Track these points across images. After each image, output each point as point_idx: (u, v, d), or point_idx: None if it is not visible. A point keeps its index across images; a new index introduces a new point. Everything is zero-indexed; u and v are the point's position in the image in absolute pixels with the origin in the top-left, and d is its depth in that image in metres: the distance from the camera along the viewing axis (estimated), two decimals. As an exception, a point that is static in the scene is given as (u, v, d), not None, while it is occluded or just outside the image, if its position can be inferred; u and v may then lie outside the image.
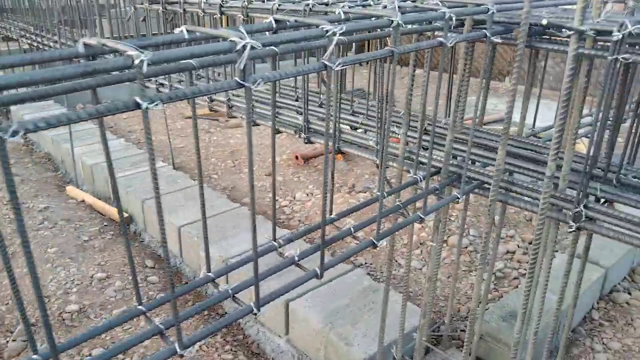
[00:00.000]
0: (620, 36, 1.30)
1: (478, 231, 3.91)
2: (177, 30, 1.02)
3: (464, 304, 3.20)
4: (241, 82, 0.93)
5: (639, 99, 1.62)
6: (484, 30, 1.47)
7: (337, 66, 1.07)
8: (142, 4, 3.31)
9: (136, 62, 0.79)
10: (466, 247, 3.73)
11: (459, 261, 2.52)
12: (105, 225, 4.13)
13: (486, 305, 3.14)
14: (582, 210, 1.49)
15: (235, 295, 1.32)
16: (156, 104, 0.83)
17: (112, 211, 4.31)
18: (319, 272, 1.25)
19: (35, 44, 5.45)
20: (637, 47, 1.46)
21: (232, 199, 4.54)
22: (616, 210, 1.46)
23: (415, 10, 1.44)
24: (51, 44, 5.08)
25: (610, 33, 1.34)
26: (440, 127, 2.17)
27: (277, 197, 4.59)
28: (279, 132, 2.51)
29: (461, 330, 2.94)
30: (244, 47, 0.90)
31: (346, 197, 4.49)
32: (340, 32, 1.04)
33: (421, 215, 1.53)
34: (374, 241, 1.38)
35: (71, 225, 4.05)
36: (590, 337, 2.93)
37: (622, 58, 1.31)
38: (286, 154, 5.51)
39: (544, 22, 1.28)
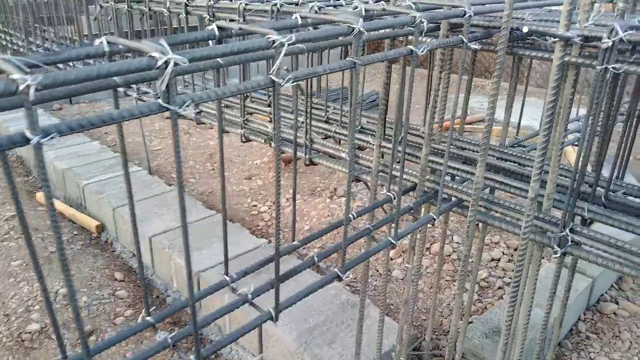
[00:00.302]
0: (611, 43, 1.16)
1: (462, 238, 3.79)
2: (97, 42, 0.87)
3: (446, 317, 3.07)
4: (164, 104, 0.77)
5: (629, 110, 1.49)
6: (461, 35, 1.33)
7: (286, 82, 0.92)
8: (107, 2, 3.13)
9: (21, 87, 0.64)
10: (449, 255, 3.60)
11: (440, 271, 2.38)
12: (74, 235, 3.95)
13: (470, 318, 3.02)
14: (567, 235, 1.36)
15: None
16: (51, 137, 0.68)
17: (84, 219, 4.13)
18: (273, 314, 1.11)
19: (3, 43, 5.24)
20: (626, 53, 1.33)
21: (209, 204, 4.37)
22: (605, 235, 1.33)
23: (384, 14, 1.30)
24: (20, 42, 4.87)
25: (599, 39, 1.20)
26: (419, 136, 2.03)
27: (255, 203, 4.44)
28: (249, 140, 2.36)
29: (443, 347, 2.81)
30: (166, 63, 0.75)
31: (327, 203, 4.35)
32: (289, 42, 0.89)
33: (392, 241, 1.39)
34: (339, 274, 1.24)
35: (38, 235, 3.86)
36: (577, 351, 2.81)
37: (613, 68, 1.18)
38: (267, 155, 5.35)
39: (525, 29, 1.14)
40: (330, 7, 1.89)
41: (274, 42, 0.89)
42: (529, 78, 2.55)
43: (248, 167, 5.08)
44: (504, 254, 3.68)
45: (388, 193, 1.60)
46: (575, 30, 1.25)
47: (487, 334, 2.58)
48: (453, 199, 1.67)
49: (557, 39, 1.19)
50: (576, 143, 2.32)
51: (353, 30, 1.02)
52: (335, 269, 1.24)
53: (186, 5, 2.44)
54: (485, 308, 3.16)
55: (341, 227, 1.55)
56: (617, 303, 3.19)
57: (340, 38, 1.10)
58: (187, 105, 0.80)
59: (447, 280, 3.39)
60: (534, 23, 1.32)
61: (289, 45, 0.90)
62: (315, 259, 1.29)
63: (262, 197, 4.52)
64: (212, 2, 2.29)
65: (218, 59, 0.92)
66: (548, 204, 1.45)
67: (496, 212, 1.57)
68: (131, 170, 4.61)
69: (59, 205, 4.37)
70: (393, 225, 1.43)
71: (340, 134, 2.18)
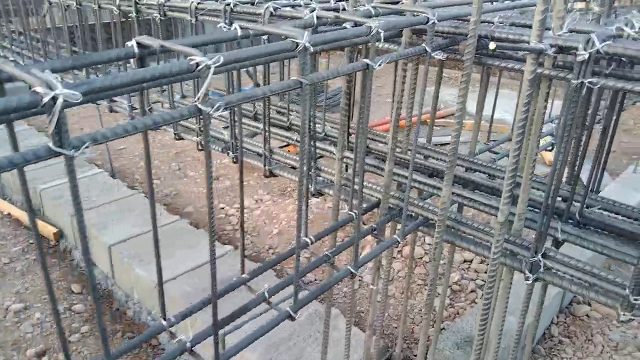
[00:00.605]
0: (587, 56, 1.05)
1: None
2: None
3: (418, 324, 2.99)
4: (55, 148, 0.63)
5: (605, 123, 1.39)
6: (424, 44, 1.21)
7: (215, 110, 0.79)
8: (55, -2, 2.92)
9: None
10: (421, 258, 3.51)
11: (410, 275, 2.27)
12: (30, 244, 3.74)
13: (442, 324, 2.94)
14: (539, 261, 1.25)
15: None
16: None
17: (41, 226, 3.92)
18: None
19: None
20: (601, 61, 1.23)
21: (173, 207, 4.21)
22: (580, 262, 1.23)
23: (339, 21, 1.16)
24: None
25: (574, 50, 1.09)
26: (386, 143, 1.91)
27: (223, 205, 4.28)
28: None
29: (416, 356, 2.72)
30: (54, 99, 0.61)
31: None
32: (217, 64, 0.76)
33: (352, 270, 1.27)
34: (291, 313, 1.11)
35: (-10, 245, 3.65)
36: (550, 356, 2.76)
37: (589, 82, 1.07)
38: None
39: (492, 46, 1.02)
40: (288, 8, 1.75)
41: (197, 64, 0.75)
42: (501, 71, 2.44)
43: (215, 167, 4.91)
44: (476, 255, 3.61)
45: (350, 212, 1.48)
46: (548, 39, 1.14)
47: (458, 344, 2.49)
48: (420, 216, 1.55)
49: (528, 51, 1.08)
50: (550, 148, 2.23)
51: (298, 45, 0.89)
52: (287, 308, 1.12)
53: (136, 3, 2.27)
54: (458, 313, 3.08)
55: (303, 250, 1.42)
56: (589, 305, 3.14)
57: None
58: (86, 147, 0.66)
59: (419, 285, 3.30)
60: (503, 30, 1.20)
61: (216, 67, 0.76)
62: (266, 294, 1.16)
63: (230, 199, 4.37)
64: (162, 0, 2.13)
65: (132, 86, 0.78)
66: (519, 225, 1.35)
67: (464, 232, 1.46)
68: (92, 172, 4.41)
69: (15, 212, 4.15)
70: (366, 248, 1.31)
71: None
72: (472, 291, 3.26)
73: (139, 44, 0.85)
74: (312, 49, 0.90)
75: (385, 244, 1.40)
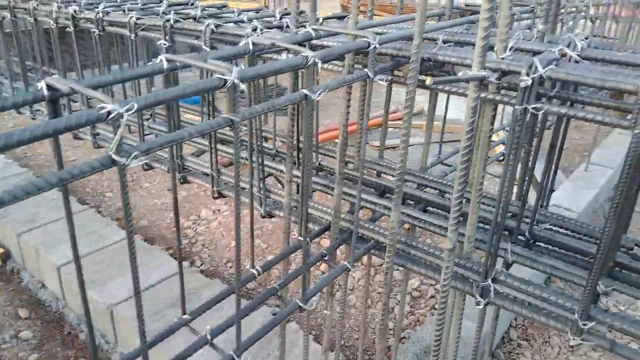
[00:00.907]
0: (530, 82, 1.03)
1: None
2: None
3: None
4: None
5: (551, 142, 1.38)
6: (366, 69, 1.17)
7: (132, 159, 0.72)
8: (-11, 9, 2.76)
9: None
10: (381, 265, 3.49)
11: (368, 288, 2.24)
12: (-27, 266, 3.55)
13: (402, 334, 2.93)
14: (490, 285, 1.23)
15: None
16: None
17: (-16, 246, 3.73)
18: None
19: None
20: (545, 84, 1.21)
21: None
22: (531, 285, 1.22)
23: (273, 50, 1.11)
24: None
25: (517, 74, 1.07)
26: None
27: (179, 217, 4.17)
28: (151, 167, 2.12)
29: (377, 368, 2.70)
30: None
31: (256, 214, 4.14)
32: (130, 112, 0.69)
33: (300, 304, 1.22)
34: (234, 356, 1.05)
35: None
36: (510, 360, 2.78)
37: (533, 108, 1.05)
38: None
39: (428, 81, 0.99)
40: (231, 25, 1.69)
41: (109, 113, 0.68)
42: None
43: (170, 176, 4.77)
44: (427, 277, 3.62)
45: (299, 238, 1.43)
46: (492, 63, 1.11)
47: (418, 355, 2.48)
48: (372, 239, 1.51)
49: (470, 78, 1.05)
50: (501, 158, 2.23)
51: (226, 82, 0.83)
52: (231, 352, 1.06)
53: (74, 17, 2.16)
54: (418, 320, 3.08)
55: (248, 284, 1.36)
56: (546, 306, 3.19)
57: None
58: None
59: (379, 293, 3.29)
60: (446, 53, 1.17)
61: (130, 114, 0.70)
62: (209, 337, 1.10)
63: (186, 210, 4.25)
64: (101, 15, 2.03)
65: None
66: (469, 247, 1.33)
67: (415, 256, 1.43)
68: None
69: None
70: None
71: (253, 161, 1.97)
72: (432, 297, 3.26)
73: (48, 85, 0.77)
74: (242, 86, 0.84)
75: (334, 273, 1.35)
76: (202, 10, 1.99)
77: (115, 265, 3.17)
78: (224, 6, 2.16)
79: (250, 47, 1.09)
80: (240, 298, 1.06)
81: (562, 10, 2.69)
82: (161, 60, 0.93)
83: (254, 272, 1.30)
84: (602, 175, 4.42)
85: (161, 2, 2.31)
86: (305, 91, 0.99)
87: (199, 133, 0.82)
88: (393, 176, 1.78)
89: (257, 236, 3.80)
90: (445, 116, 2.31)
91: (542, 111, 1.03)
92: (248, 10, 2.14)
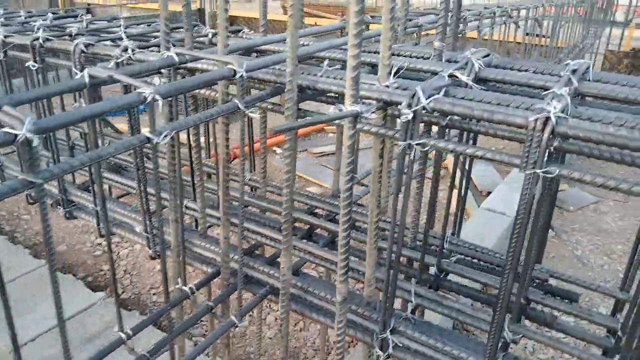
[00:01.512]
0: (411, 115, 0.90)
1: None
2: None
3: (311, 358, 2.82)
4: None
5: (463, 173, 1.27)
6: (235, 99, 1.01)
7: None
8: None
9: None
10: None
11: (288, 317, 2.07)
12: None
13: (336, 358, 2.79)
14: (389, 338, 1.10)
15: None
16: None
17: None
18: None
19: None
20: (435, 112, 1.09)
21: (42, 248, 3.77)
22: (432, 338, 1.09)
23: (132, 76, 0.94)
24: None
25: (398, 105, 0.94)
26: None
27: (100, 240, 3.90)
28: (35, 202, 1.90)
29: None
30: None
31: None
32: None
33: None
34: None
35: None
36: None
37: (417, 144, 0.92)
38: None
39: (275, 127, 0.84)
40: (107, 43, 1.50)
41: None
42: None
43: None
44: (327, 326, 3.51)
45: (183, 287, 1.26)
46: (374, 92, 0.98)
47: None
48: (267, 284, 1.36)
49: (343, 115, 0.91)
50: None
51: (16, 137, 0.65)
52: None
53: (3, 42, 1.83)
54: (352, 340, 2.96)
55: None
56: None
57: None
58: None
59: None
60: (327, 81, 1.03)
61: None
62: (148, 355, 0.92)
63: (110, 231, 3.98)
64: (40, 42, 1.66)
65: None
66: (369, 290, 1.19)
67: (312, 302, 1.29)
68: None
69: None
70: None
71: (151, 194, 1.78)
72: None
73: None
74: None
75: (218, 332, 1.19)
76: (88, 24, 1.79)
77: (26, 299, 2.90)
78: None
79: (86, 80, 0.91)
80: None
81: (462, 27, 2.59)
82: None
83: (122, 336, 1.12)
84: (537, 177, 4.43)
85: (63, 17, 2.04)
86: (147, 134, 0.83)
87: (118, 152, 0.66)
88: (299, 201, 1.64)
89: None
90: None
91: (427, 148, 0.91)
92: (149, 23, 1.94)
